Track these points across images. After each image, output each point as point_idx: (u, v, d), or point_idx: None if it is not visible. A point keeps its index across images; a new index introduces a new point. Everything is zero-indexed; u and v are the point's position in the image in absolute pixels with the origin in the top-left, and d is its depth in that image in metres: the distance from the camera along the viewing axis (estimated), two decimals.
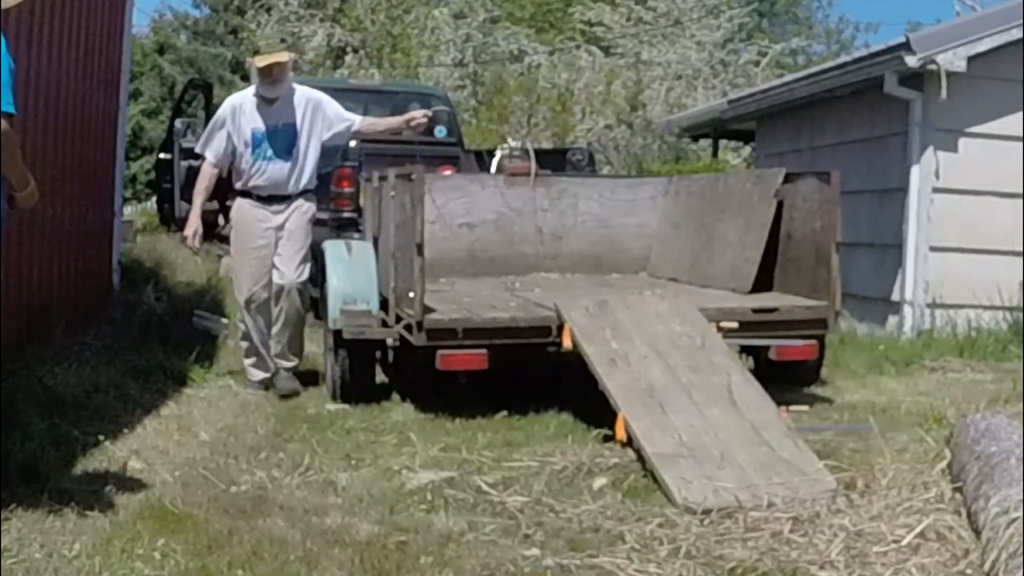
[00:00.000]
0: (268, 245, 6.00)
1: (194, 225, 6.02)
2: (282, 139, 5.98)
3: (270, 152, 5.97)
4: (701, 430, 4.27)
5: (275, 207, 6.02)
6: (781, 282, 5.98)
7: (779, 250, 6.01)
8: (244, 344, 6.19)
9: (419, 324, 5.10)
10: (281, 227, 6.02)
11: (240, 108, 6.02)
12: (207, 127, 6.25)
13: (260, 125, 5.98)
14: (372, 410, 5.52)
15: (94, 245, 7.48)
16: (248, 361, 6.17)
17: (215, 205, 10.92)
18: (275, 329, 6.05)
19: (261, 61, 6.01)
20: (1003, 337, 7.83)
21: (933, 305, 8.28)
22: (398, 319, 5.49)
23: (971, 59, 7.96)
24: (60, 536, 3.33)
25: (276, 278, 5.98)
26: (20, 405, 4.58)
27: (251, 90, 6.11)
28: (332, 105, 6.18)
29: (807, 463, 4.06)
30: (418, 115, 6.35)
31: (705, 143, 16.42)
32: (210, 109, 12.10)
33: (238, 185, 6.10)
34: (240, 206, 6.10)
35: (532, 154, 7.23)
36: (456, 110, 12.16)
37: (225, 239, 11.39)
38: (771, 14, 31.68)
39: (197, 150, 6.22)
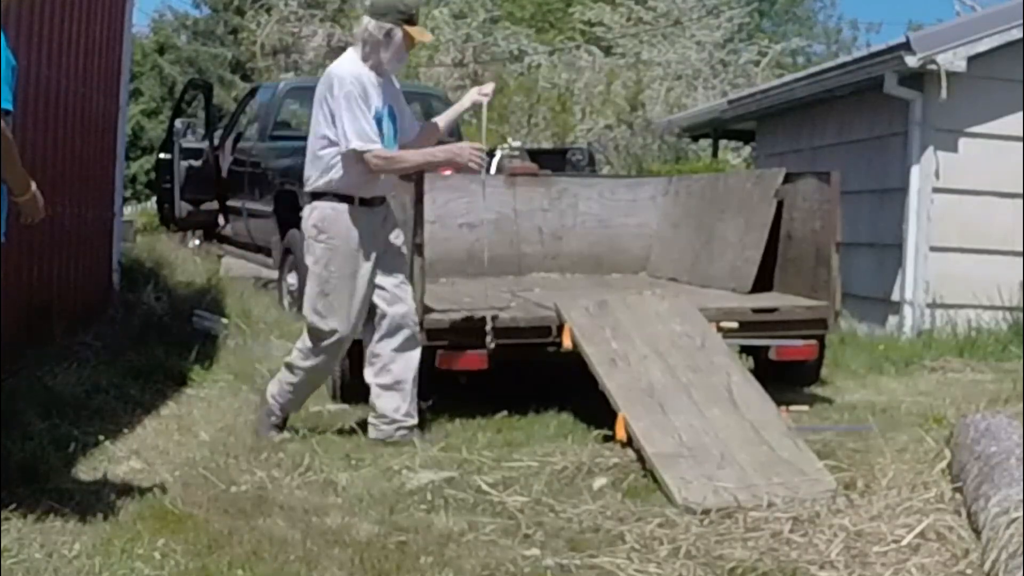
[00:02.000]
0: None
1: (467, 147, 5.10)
2: (393, 122, 4.90)
3: (387, 138, 4.85)
4: (701, 430, 4.28)
5: (382, 212, 4.94)
6: (781, 282, 5.98)
7: (779, 250, 6.01)
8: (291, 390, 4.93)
9: (419, 324, 5.10)
10: (386, 241, 4.95)
11: (368, 81, 4.77)
12: (348, 113, 4.71)
13: (380, 104, 4.82)
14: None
15: (94, 245, 7.47)
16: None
17: (215, 205, 10.94)
18: (393, 370, 4.91)
19: (423, 35, 4.97)
20: (1003, 337, 7.84)
21: (933, 305, 8.29)
22: None
23: (971, 59, 7.97)
24: (60, 536, 3.33)
25: (394, 308, 4.88)
26: (20, 405, 4.58)
27: (359, 64, 4.81)
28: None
29: (807, 463, 4.07)
30: (484, 92, 5.25)
31: (705, 143, 16.43)
32: (210, 109, 12.06)
33: (336, 186, 4.79)
34: (347, 213, 4.78)
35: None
36: None
37: (226, 239, 11.41)
38: (771, 14, 31.70)
39: (356, 146, 4.71)
